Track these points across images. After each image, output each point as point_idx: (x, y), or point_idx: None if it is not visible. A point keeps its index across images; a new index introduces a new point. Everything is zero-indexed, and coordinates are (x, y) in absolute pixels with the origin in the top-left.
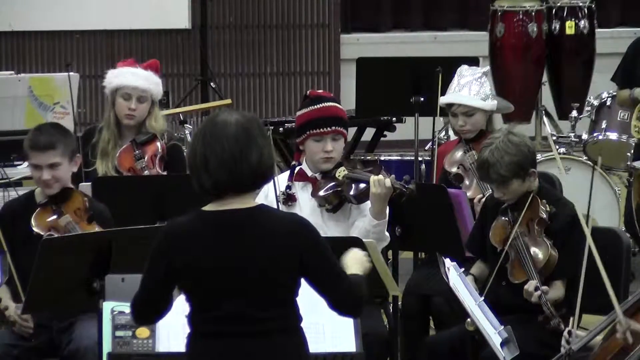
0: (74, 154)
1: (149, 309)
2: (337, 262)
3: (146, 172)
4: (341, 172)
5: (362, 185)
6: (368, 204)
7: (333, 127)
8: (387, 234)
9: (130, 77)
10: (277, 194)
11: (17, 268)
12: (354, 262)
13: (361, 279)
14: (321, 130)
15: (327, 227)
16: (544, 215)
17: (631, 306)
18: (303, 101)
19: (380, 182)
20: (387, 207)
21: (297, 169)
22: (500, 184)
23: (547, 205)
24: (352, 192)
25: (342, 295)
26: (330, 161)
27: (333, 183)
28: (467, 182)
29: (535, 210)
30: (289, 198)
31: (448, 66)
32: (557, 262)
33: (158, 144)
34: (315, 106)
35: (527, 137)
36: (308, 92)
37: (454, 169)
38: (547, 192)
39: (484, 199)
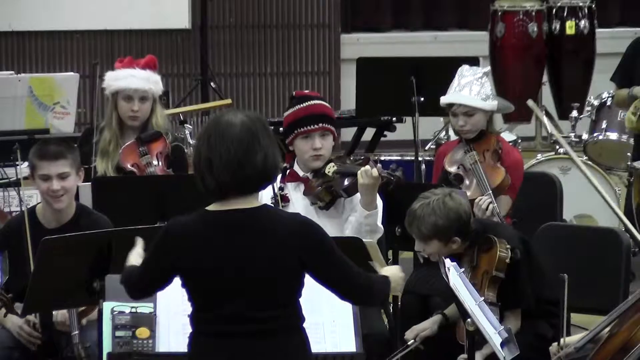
0: (80, 166)
1: (143, 290)
2: (343, 256)
3: (150, 170)
4: (331, 168)
5: (351, 178)
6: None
7: (320, 124)
8: (380, 225)
9: (130, 79)
10: (276, 193)
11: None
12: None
13: (382, 279)
14: (308, 128)
15: (321, 225)
16: (504, 256)
17: (631, 306)
18: (289, 102)
19: (367, 172)
20: (378, 198)
21: (288, 170)
22: (419, 239)
23: (508, 251)
24: (341, 186)
25: (352, 289)
26: (320, 159)
27: (324, 180)
28: (467, 182)
29: (492, 258)
30: (281, 199)
31: (448, 66)
32: (507, 293)
33: (164, 141)
34: (302, 105)
35: (466, 205)
36: (294, 92)
37: (454, 169)
38: (488, 229)
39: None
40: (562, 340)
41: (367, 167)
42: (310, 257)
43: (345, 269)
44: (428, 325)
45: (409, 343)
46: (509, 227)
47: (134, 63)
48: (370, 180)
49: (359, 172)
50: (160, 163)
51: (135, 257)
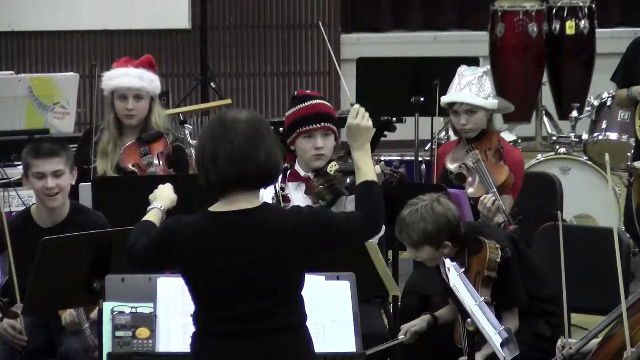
0: (73, 165)
1: (142, 268)
2: (333, 215)
3: (151, 169)
4: (333, 167)
5: (354, 176)
6: None
7: (322, 124)
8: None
9: (123, 78)
10: (277, 193)
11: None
12: (359, 150)
13: (373, 192)
14: (310, 127)
15: None
16: (494, 256)
17: (631, 306)
18: (291, 101)
19: None
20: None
21: (289, 170)
22: (410, 246)
23: (498, 251)
24: (344, 184)
25: (357, 235)
26: (322, 158)
27: (326, 178)
28: (470, 180)
29: (482, 259)
30: (282, 199)
31: (448, 66)
32: (500, 293)
33: (164, 141)
34: (303, 104)
35: (454, 209)
36: (295, 92)
37: (457, 169)
38: (478, 232)
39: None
40: (563, 337)
41: None
42: (314, 242)
43: (342, 226)
44: (417, 322)
45: (399, 337)
46: (498, 227)
47: (129, 62)
48: None
49: None
50: (161, 163)
51: (155, 213)
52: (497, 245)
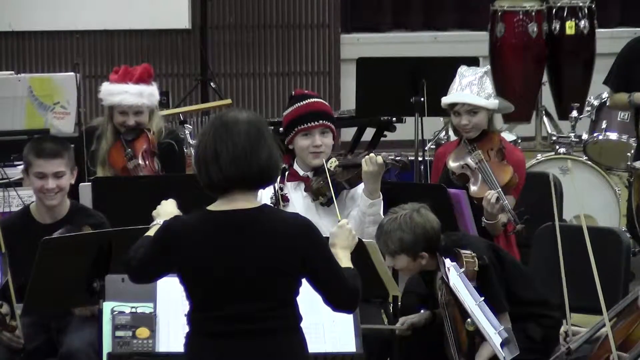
0: (74, 165)
1: (141, 278)
2: (336, 261)
3: (141, 173)
4: (332, 163)
5: (354, 169)
6: (361, 191)
7: (320, 121)
8: (382, 215)
9: (123, 95)
10: (276, 192)
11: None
12: (342, 249)
13: (355, 273)
14: (309, 125)
15: (323, 222)
16: (472, 265)
17: (628, 305)
18: (289, 101)
19: (372, 159)
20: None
21: (287, 170)
22: (387, 253)
23: (475, 260)
24: (344, 177)
25: (340, 294)
26: (321, 156)
27: (326, 175)
28: (473, 180)
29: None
30: (281, 199)
31: (448, 66)
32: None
33: (146, 137)
34: (301, 103)
35: (434, 221)
36: (293, 92)
37: (459, 169)
38: (456, 243)
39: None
40: (570, 328)
41: (372, 154)
42: (310, 259)
43: (338, 274)
44: (416, 316)
45: (396, 327)
46: (477, 237)
47: (127, 76)
48: (375, 167)
49: (363, 160)
50: (147, 163)
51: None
52: (473, 254)
